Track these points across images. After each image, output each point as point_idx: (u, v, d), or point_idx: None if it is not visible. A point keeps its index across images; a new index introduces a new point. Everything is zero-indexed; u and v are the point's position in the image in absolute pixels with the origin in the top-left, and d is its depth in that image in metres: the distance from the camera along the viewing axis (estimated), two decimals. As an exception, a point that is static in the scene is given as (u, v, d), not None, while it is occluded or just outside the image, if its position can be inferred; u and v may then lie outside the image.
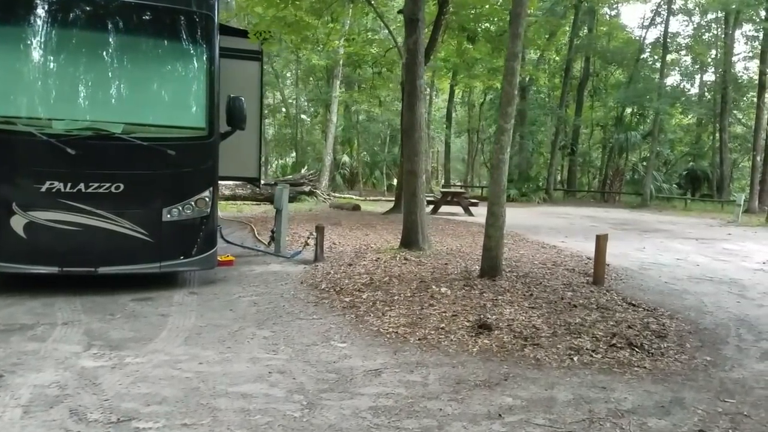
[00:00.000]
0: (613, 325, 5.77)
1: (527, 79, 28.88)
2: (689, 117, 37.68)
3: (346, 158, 35.26)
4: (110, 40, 6.97)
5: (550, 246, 11.96)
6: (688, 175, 35.02)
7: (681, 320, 6.27)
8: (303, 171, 23.83)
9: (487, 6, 16.77)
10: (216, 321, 5.83)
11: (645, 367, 4.79)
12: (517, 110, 31.09)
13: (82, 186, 6.59)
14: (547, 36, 32.66)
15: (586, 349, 5.11)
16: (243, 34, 8.90)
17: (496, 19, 17.88)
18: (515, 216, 20.45)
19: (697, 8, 31.28)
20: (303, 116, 31.55)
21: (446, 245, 11.00)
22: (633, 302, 6.82)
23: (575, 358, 4.91)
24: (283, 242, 9.77)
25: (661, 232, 16.27)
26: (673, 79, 35.43)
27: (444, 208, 20.73)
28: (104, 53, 6.99)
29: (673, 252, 12.07)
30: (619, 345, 5.20)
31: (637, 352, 5.08)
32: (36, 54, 6.79)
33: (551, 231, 15.60)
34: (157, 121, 7.13)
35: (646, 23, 32.34)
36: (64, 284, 6.68)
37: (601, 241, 7.85)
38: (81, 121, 6.68)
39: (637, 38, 33.16)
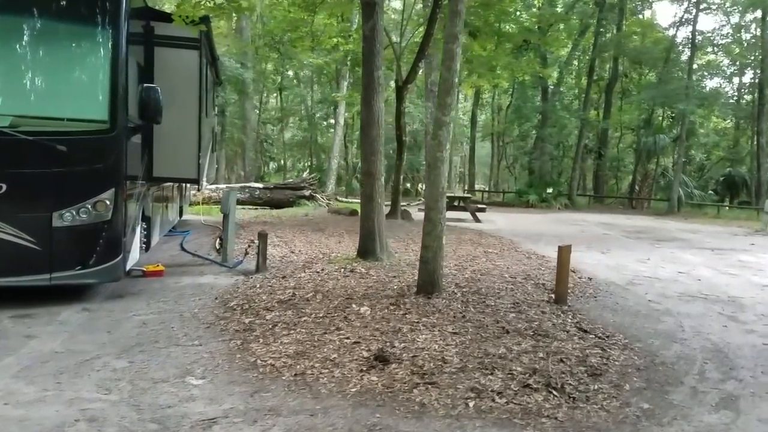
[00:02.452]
0: (542, 358, 4.73)
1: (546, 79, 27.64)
2: (726, 120, 35.77)
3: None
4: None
5: (538, 256, 10.87)
6: (725, 181, 33.04)
7: (636, 351, 5.19)
8: (304, 174, 23.11)
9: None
10: (79, 347, 5.00)
11: (556, 418, 3.77)
12: (538, 111, 29.91)
13: None
14: (576, 35, 31.46)
15: (492, 390, 4.10)
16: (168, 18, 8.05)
17: (499, 12, 16.79)
18: (522, 222, 19.39)
19: (729, 5, 29.48)
20: (319, 119, 30.73)
21: (416, 255, 9.99)
22: (585, 328, 5.75)
23: (471, 404, 3.91)
24: (230, 250, 8.94)
25: (677, 242, 14.95)
26: (710, 81, 33.72)
27: (452, 214, 19.67)
28: None
29: (679, 264, 10.85)
30: (535, 386, 4.17)
31: (554, 395, 4.05)
32: None
33: (553, 239, 14.40)
34: (51, 113, 6.34)
35: (677, 21, 30.51)
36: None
37: (563, 254, 6.78)
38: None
39: (668, 37, 31.45)
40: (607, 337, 5.53)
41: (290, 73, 34.75)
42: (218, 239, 9.24)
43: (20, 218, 6.08)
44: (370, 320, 5.58)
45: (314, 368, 4.48)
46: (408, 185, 35.88)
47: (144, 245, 8.51)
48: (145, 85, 6.97)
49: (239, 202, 19.13)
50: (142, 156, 7.80)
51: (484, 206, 21.88)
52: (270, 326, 5.46)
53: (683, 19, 29.87)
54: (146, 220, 8.61)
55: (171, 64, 8.39)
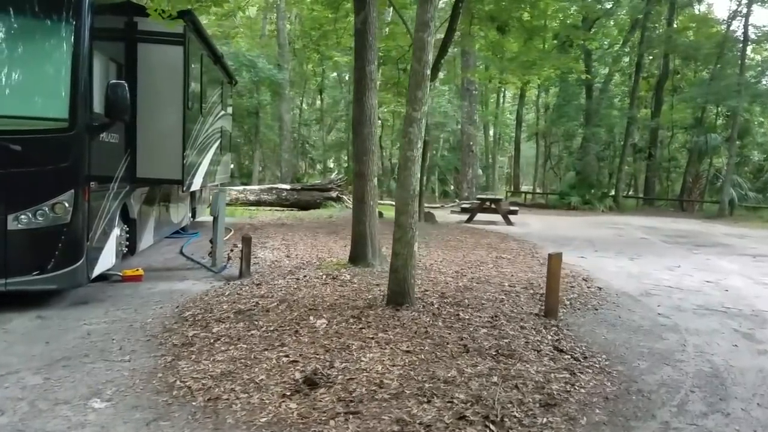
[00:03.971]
0: (494, 383, 4.14)
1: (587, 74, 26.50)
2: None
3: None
4: None
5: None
6: (788, 183, 31.06)
7: (613, 376, 4.54)
8: (332, 176, 22.75)
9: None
10: (5, 359, 4.68)
11: (482, 461, 3.20)
12: (582, 109, 28.69)
13: None
14: (626, 31, 30.12)
15: (420, 422, 3.55)
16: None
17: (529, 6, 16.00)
18: (556, 225, 18.51)
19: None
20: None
21: (423, 261, 9.45)
22: (563, 347, 5.11)
23: (388, 440, 3.38)
24: (219, 254, 8.59)
25: (718, 247, 13.91)
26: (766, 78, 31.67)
27: (483, 217, 19.01)
28: None
29: (711, 272, 9.97)
30: (472, 418, 3.60)
31: (490, 430, 3.48)
32: None
33: (584, 244, 13.63)
34: (8, 111, 6.09)
35: (730, 14, 28.83)
36: None
37: (553, 263, 6.14)
38: None
39: (722, 31, 29.73)
40: (585, 358, 4.88)
41: (334, 74, 34.55)
42: (210, 242, 8.89)
43: None
44: (322, 335, 5.09)
45: (233, 392, 4.02)
46: (448, 187, 35.16)
47: (126, 249, 8.26)
48: (112, 81, 6.68)
49: (267, 204, 19.03)
50: (119, 156, 7.52)
51: (516, 208, 21.04)
52: (212, 341, 5.04)
53: (737, 12, 28.21)
54: (130, 222, 8.37)
55: (154, 60, 8.12)
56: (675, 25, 29.82)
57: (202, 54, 9.70)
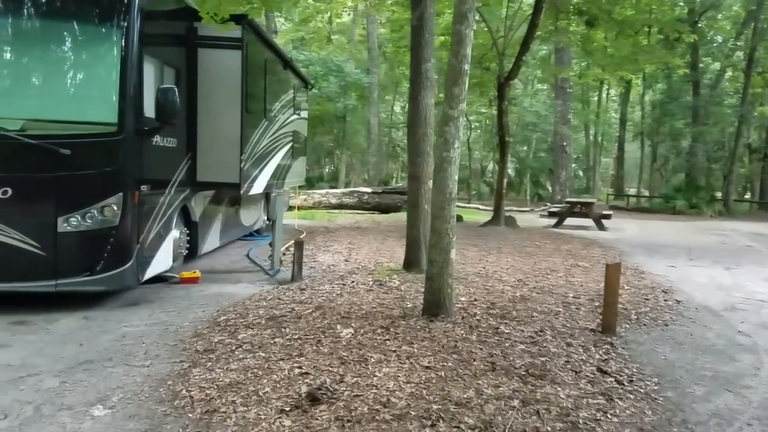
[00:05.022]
0: (513, 407, 3.73)
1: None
2: None
3: (493, 165, 33.12)
4: (1, 23, 6.31)
5: (636, 272, 9.45)
6: None
7: (658, 403, 3.99)
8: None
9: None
10: (34, 360, 4.76)
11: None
12: (689, 107, 26.81)
13: None
14: (739, 23, 27.91)
15: (414, 450, 3.23)
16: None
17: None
18: (654, 231, 17.34)
19: None
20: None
21: (484, 269, 9.02)
22: (608, 368, 4.58)
23: (374, 468, 3.09)
24: (277, 258, 8.56)
25: (835, 257, 12.46)
26: None
27: (574, 221, 18.10)
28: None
29: (819, 286, 8.88)
30: (473, 448, 3.23)
31: (489, 464, 3.10)
32: None
33: (679, 252, 12.63)
34: (60, 116, 6.27)
35: None
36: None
37: (610, 274, 5.58)
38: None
39: None
40: (631, 381, 4.35)
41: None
42: (269, 245, 8.88)
43: (25, 223, 6.05)
44: (343, 345, 4.85)
45: (233, 405, 3.85)
46: (543, 189, 33.97)
47: (186, 251, 8.38)
48: (162, 86, 6.75)
49: (348, 207, 19.07)
50: (176, 159, 7.61)
51: (610, 212, 19.88)
52: (233, 348, 4.91)
53: None
54: (192, 225, 8.50)
55: (213, 65, 8.20)
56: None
57: (265, 58, 9.73)
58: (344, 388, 4.01)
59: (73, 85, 6.46)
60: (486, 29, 15.86)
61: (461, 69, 5.36)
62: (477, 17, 17.46)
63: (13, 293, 6.13)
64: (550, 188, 33.28)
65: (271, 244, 8.74)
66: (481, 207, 24.63)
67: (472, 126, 28.06)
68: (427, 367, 4.38)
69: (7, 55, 6.40)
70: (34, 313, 6.02)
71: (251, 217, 11.44)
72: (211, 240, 9.31)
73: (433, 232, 5.52)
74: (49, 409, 3.86)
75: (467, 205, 24.99)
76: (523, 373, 4.33)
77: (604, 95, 40.53)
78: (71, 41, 6.45)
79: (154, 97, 6.69)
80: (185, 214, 8.25)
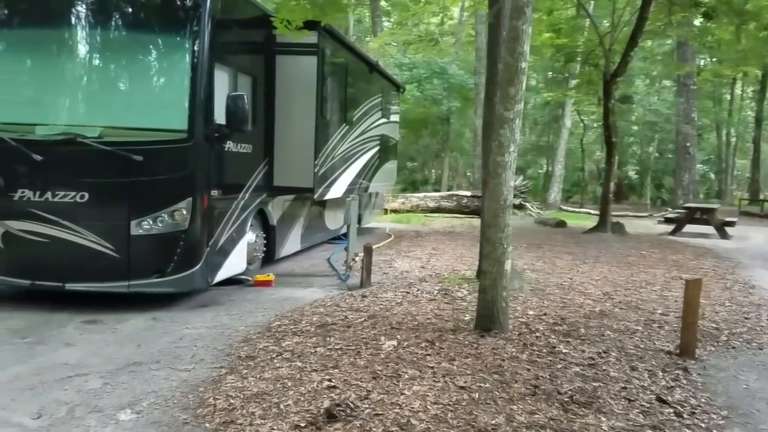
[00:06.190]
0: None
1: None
2: None
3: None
4: (78, 34, 6.64)
5: (744, 287, 8.62)
6: None
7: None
8: (517, 182, 21.64)
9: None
10: (90, 360, 4.92)
11: None
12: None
13: (49, 195, 6.32)
14: None
15: (416, 481, 2.99)
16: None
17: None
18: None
19: None
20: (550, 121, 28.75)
21: (574, 278, 8.51)
22: (670, 397, 4.07)
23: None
24: (349, 261, 8.50)
25: None
26: None
27: (693, 228, 16.75)
28: (73, 50, 6.69)
29: None
30: (480, 484, 2.94)
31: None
32: (6, 58, 6.77)
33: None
34: (133, 123, 6.53)
35: None
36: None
37: (690, 291, 4.99)
38: (53, 125, 6.41)
39: None
40: (693, 414, 3.84)
41: (534, 76, 33.28)
42: (345, 250, 8.86)
43: (101, 226, 6.34)
44: (381, 359, 4.64)
45: (251, 417, 3.76)
46: (665, 193, 31.84)
47: (263, 254, 8.50)
48: (232, 93, 6.86)
49: (446, 211, 18.79)
50: (251, 165, 7.73)
51: (734, 219, 18.21)
52: (273, 356, 4.85)
53: None
54: (270, 229, 8.62)
55: (291, 71, 8.28)
56: None
57: (346, 63, 9.71)
58: (366, 406, 3.82)
59: (147, 93, 6.71)
60: (591, 24, 15.03)
61: (518, 67, 5.00)
62: (581, 12, 16.65)
63: (90, 293, 6.45)
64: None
65: (346, 249, 8.71)
66: (592, 211, 23.47)
67: (585, 125, 26.68)
68: (462, 387, 4.09)
69: (85, 66, 6.74)
70: (107, 313, 6.28)
71: (337, 220, 11.48)
72: (291, 244, 9.41)
73: (487, 242, 5.19)
74: (82, 411, 3.95)
75: (578, 210, 23.89)
76: (566, 399, 3.94)
77: (738, 92, 37.50)
78: (145, 51, 6.70)
79: (225, 104, 6.80)
80: (262, 217, 8.38)
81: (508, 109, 5.03)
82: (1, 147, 6.33)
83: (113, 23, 6.63)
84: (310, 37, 7.90)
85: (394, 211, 18.09)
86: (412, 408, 3.79)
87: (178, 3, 6.56)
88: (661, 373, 4.57)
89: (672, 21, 15.24)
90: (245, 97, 6.86)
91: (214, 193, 6.77)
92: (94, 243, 6.34)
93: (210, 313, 6.47)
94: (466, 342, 5.02)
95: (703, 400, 4.13)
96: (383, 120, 12.18)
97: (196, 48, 6.46)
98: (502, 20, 7.49)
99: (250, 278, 7.88)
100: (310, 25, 7.54)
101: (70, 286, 6.39)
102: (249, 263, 7.92)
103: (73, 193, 6.29)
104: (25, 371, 4.66)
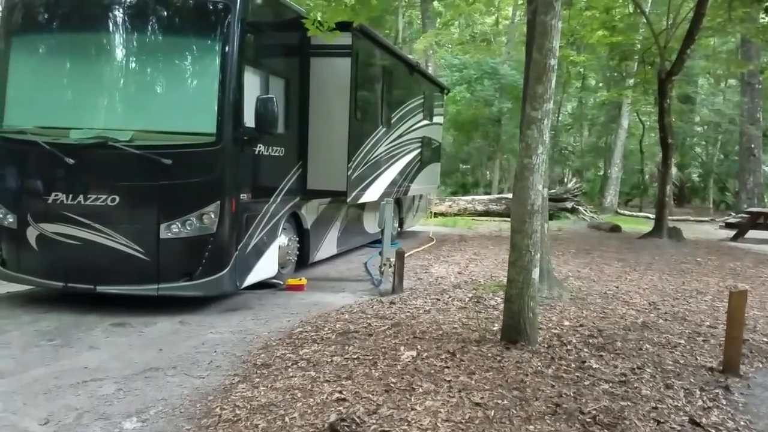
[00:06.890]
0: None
1: None
2: None
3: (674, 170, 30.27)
4: (109, 38, 6.67)
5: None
6: None
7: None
8: (570, 185, 21.04)
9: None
10: (110, 364, 4.91)
11: None
12: None
13: (81, 198, 6.38)
14: None
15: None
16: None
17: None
18: None
19: None
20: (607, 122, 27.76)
21: (621, 286, 8.14)
22: (704, 419, 3.73)
23: None
24: (382, 266, 8.33)
25: None
26: None
27: (757, 234, 15.90)
28: (104, 54, 6.74)
29: None
30: None
31: None
32: (39, 62, 6.87)
33: None
34: (163, 127, 6.53)
35: None
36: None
37: (734, 303, 4.61)
38: (87, 129, 6.46)
39: None
40: (724, 441, 3.50)
41: (593, 76, 32.37)
42: (378, 254, 8.70)
43: (131, 229, 6.36)
44: (397, 371, 4.45)
45: (254, 429, 3.64)
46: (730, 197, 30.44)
47: (296, 258, 8.41)
48: (261, 96, 6.79)
49: (495, 214, 18.42)
50: (284, 168, 7.66)
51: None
52: (289, 364, 4.73)
53: None
54: (304, 232, 8.53)
55: (325, 73, 8.18)
56: None
57: (383, 64, 9.55)
58: (373, 421, 3.64)
59: (177, 97, 6.70)
60: (646, 21, 14.44)
61: (546, 64, 4.74)
62: (636, 10, 16.00)
63: (120, 296, 6.49)
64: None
65: (380, 253, 8.55)
66: (651, 215, 22.63)
67: (645, 126, 25.71)
68: (477, 404, 3.86)
69: (116, 70, 6.77)
70: (136, 315, 6.30)
71: (376, 224, 11.31)
72: (327, 247, 9.31)
73: (513, 248, 4.93)
74: (89, 418, 3.91)
75: (636, 214, 23.08)
76: (588, 420, 3.66)
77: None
78: (175, 55, 6.68)
79: (255, 107, 6.73)
80: (296, 221, 8.29)
81: (536, 108, 4.77)
82: (35, 151, 6.44)
83: (143, 28, 6.63)
84: (344, 39, 7.76)
85: (441, 214, 17.82)
86: (421, 425, 3.58)
87: (209, 7, 6.51)
88: (698, 392, 4.23)
89: (732, 17, 14.46)
90: (274, 99, 6.77)
91: (244, 196, 6.72)
92: (124, 246, 6.36)
93: (237, 317, 6.42)
94: (489, 354, 4.78)
95: (742, 422, 3.78)
96: (425, 122, 11.97)
97: (225, 51, 6.41)
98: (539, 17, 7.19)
99: (281, 282, 7.81)
100: (343, 26, 7.42)
101: (101, 288, 6.44)
102: (282, 267, 7.85)
103: (104, 197, 6.34)
104: (45, 374, 4.67)
